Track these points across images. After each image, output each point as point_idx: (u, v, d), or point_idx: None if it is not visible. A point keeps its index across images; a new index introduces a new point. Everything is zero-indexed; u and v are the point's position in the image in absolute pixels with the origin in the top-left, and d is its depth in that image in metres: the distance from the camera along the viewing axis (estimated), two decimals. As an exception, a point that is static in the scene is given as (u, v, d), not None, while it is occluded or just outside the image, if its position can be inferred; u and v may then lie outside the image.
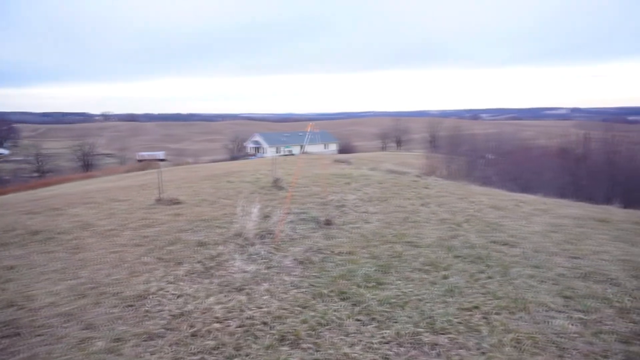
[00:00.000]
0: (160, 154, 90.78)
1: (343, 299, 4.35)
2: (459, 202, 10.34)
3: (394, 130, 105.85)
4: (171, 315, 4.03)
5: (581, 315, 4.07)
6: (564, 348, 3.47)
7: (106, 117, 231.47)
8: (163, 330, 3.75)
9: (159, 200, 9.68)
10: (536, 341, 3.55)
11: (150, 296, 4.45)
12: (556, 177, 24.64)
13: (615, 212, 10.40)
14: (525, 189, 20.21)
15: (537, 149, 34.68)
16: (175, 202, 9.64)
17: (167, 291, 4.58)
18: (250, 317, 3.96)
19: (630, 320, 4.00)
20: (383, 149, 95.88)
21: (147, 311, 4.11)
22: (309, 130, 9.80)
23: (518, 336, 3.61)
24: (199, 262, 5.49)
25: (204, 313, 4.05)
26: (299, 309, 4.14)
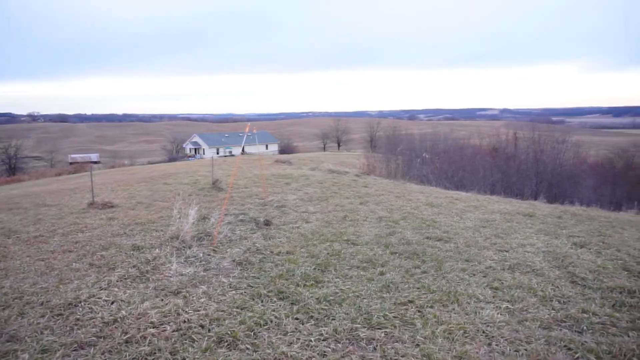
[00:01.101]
0: (93, 156, 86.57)
1: (281, 299, 4.35)
2: (397, 200, 10.63)
3: (334, 131, 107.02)
4: (103, 322, 3.85)
5: (508, 305, 4.30)
6: (492, 336, 3.66)
7: (33, 118, 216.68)
8: (94, 338, 3.58)
9: (92, 204, 9.24)
10: (466, 331, 3.71)
11: (81, 304, 4.23)
12: (488, 174, 25.92)
13: (540, 207, 11.06)
14: (460, 186, 21.12)
15: (470, 148, 36.29)
16: (109, 205, 9.23)
17: (100, 298, 4.37)
18: (187, 321, 3.87)
19: (551, 307, 4.28)
20: (324, 149, 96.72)
21: (77, 319, 3.90)
22: (247, 130, 9.68)
23: (450, 327, 3.76)
24: (133, 266, 5.29)
25: (139, 318, 3.91)
26: (237, 310, 4.09)
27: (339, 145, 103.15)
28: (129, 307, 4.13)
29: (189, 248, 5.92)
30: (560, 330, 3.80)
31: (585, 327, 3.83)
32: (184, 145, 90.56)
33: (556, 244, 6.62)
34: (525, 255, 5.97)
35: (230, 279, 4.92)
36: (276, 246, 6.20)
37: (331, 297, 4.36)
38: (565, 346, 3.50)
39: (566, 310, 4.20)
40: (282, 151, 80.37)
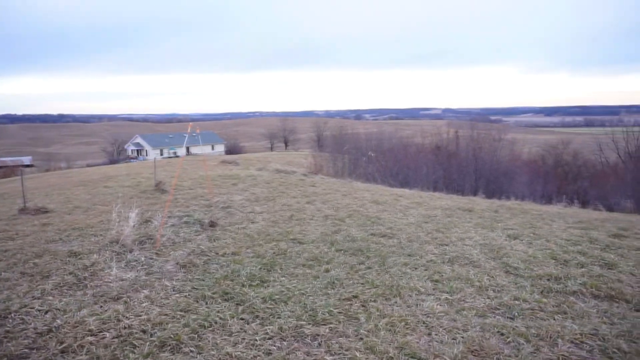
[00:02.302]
0: (25, 159, 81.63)
1: (226, 300, 4.32)
2: (343, 198, 10.79)
3: (282, 130, 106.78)
4: (37, 333, 3.67)
5: (447, 296, 4.49)
6: (431, 326, 3.81)
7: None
8: (27, 350, 3.41)
9: (23, 210, 8.74)
10: (408, 323, 3.85)
11: (12, 315, 4.01)
12: (431, 172, 26.80)
13: (479, 202, 11.58)
14: (404, 184, 21.71)
15: (414, 146, 37.34)
16: (42, 211, 8.77)
17: (32, 307, 4.16)
18: (128, 327, 3.76)
19: (487, 296, 4.51)
20: (271, 149, 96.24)
21: (7, 332, 3.70)
22: (189, 131, 9.50)
23: (392, 320, 3.89)
24: (70, 273, 5.07)
25: (76, 327, 3.76)
26: (180, 313, 4.03)
27: (286, 145, 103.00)
28: (65, 316, 3.97)
29: (130, 252, 5.75)
30: (495, 317, 4.01)
31: (516, 313, 4.07)
32: (125, 147, 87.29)
33: (492, 237, 6.96)
34: (464, 248, 6.24)
35: (174, 282, 4.83)
36: (221, 247, 6.14)
37: (277, 296, 4.39)
38: (498, 332, 3.71)
39: (500, 298, 4.44)
40: (229, 152, 79.26)
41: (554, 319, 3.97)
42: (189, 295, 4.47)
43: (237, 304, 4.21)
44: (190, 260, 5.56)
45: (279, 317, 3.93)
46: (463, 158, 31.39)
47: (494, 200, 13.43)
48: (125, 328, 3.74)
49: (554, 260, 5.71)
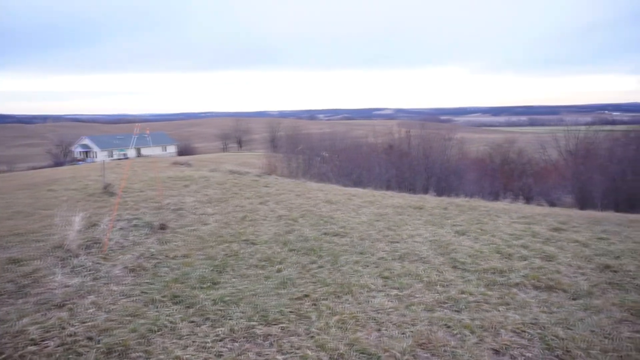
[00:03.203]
0: (-41, 162, 76.59)
1: (176, 303, 4.24)
2: (297, 198, 10.79)
3: (235, 131, 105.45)
4: (-29, 345, 3.47)
5: (397, 292, 4.59)
6: (381, 322, 3.89)
7: None
8: (-40, 364, 3.22)
9: (-45, 216, 8.20)
10: (358, 319, 3.91)
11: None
12: (383, 171, 27.26)
13: (429, 200, 11.86)
14: (358, 183, 21.97)
15: (367, 146, 37.89)
16: (-23, 216, 8.26)
17: (-34, 320, 3.93)
18: (73, 334, 3.62)
19: (435, 291, 4.65)
20: (224, 149, 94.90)
21: (-63, 346, 3.47)
22: (137, 132, 9.22)
23: (343, 317, 3.94)
24: (9, 281, 4.81)
25: (16, 336, 3.58)
26: (128, 318, 3.91)
27: (240, 146, 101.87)
28: (5, 326, 3.77)
29: (76, 257, 5.53)
30: (442, 311, 4.15)
31: (462, 306, 4.22)
32: (72, 149, 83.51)
33: (441, 233, 7.17)
34: (414, 245, 6.40)
35: (122, 287, 4.68)
36: (172, 250, 6.01)
37: (228, 298, 4.34)
38: (445, 325, 3.83)
39: (447, 292, 4.58)
40: (181, 153, 77.51)
41: (498, 310, 4.14)
42: (137, 299, 4.35)
43: (187, 307, 4.14)
44: (139, 264, 5.40)
45: (230, 319, 3.90)
46: (414, 157, 32.15)
47: (444, 198, 13.79)
48: (69, 336, 3.60)
49: (498, 255, 5.95)
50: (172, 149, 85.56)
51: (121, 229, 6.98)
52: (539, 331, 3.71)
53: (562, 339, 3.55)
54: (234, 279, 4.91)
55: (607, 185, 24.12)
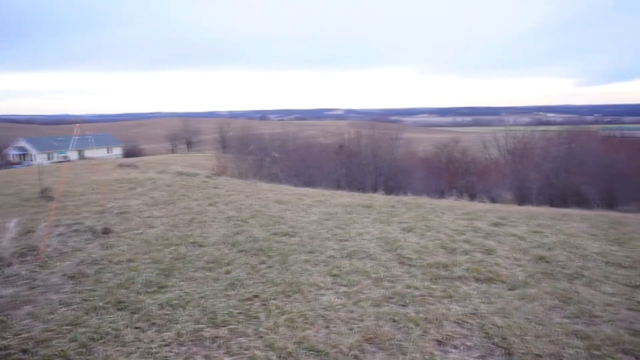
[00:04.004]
0: None
1: (120, 309, 4.11)
2: (247, 199, 10.71)
3: (184, 132, 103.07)
4: None
5: (345, 289, 4.66)
6: (330, 319, 3.94)
7: None
8: None
9: None
10: (307, 317, 3.95)
11: None
12: (333, 171, 27.52)
13: (378, 199, 12.08)
14: (308, 183, 22.07)
15: (318, 146, 38.11)
16: None
17: None
18: (5, 347, 3.43)
19: (382, 287, 4.75)
20: (173, 151, 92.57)
21: None
22: (77, 132, 8.84)
23: (292, 316, 3.96)
24: None
25: (-59, 354, 3.35)
26: (68, 327, 3.75)
27: (189, 147, 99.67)
28: None
29: (9, 266, 5.23)
30: (389, 306, 4.25)
31: (408, 301, 4.35)
32: (6, 151, 78.67)
33: (389, 231, 7.34)
34: (362, 243, 6.51)
35: (61, 295, 4.48)
36: (116, 255, 5.81)
37: (175, 301, 4.26)
38: (391, 319, 3.93)
39: (394, 287, 4.70)
40: (127, 154, 74.91)
41: (441, 303, 4.30)
42: (78, 307, 4.18)
43: (132, 313, 4.02)
44: (79, 270, 5.19)
45: (177, 323, 3.82)
46: (364, 157, 32.66)
47: (392, 196, 14.09)
48: (2, 349, 3.41)
49: (442, 250, 6.16)
50: (117, 151, 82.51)
51: (60, 234, 6.67)
52: (478, 321, 3.89)
53: (500, 327, 3.74)
54: (181, 282, 4.82)
55: (543, 182, 25.52)
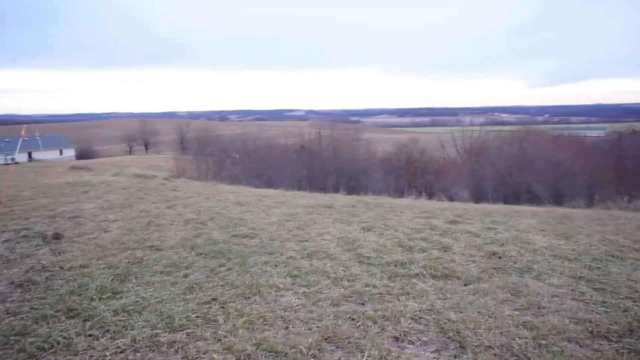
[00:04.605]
0: None
1: (72, 317, 3.97)
2: (206, 201, 10.57)
3: (141, 133, 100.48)
4: None
5: (305, 289, 4.69)
6: (289, 320, 3.95)
7: None
8: None
9: None
10: (266, 319, 3.94)
11: None
12: (295, 171, 27.52)
13: (339, 199, 12.18)
14: (270, 184, 21.98)
15: (279, 147, 38.01)
16: None
17: None
18: (-53, 361, 3.27)
19: (342, 286, 4.80)
20: (130, 152, 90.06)
21: None
22: (24, 133, 8.48)
23: (251, 318, 3.94)
24: None
25: None
26: (15, 338, 3.60)
27: (147, 148, 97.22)
28: None
29: (-49, 275, 4.97)
30: (347, 304, 4.31)
31: (367, 299, 4.42)
32: (-53, 154, 74.31)
33: (349, 230, 7.42)
34: (322, 243, 6.55)
35: (7, 304, 4.29)
36: (68, 261, 5.61)
37: (130, 307, 4.16)
38: (350, 318, 3.99)
39: (353, 286, 4.76)
40: (81, 156, 72.33)
41: (399, 300, 4.39)
42: (26, 316, 4.01)
43: (84, 320, 3.90)
44: (28, 277, 4.98)
45: (133, 329, 3.74)
46: (325, 157, 32.83)
47: (353, 196, 14.22)
48: (-57, 363, 3.24)
49: (400, 248, 6.28)
50: (70, 153, 79.49)
51: (6, 240, 6.39)
52: (434, 316, 4.00)
53: (454, 322, 3.86)
54: (137, 287, 4.71)
55: (497, 181, 26.45)
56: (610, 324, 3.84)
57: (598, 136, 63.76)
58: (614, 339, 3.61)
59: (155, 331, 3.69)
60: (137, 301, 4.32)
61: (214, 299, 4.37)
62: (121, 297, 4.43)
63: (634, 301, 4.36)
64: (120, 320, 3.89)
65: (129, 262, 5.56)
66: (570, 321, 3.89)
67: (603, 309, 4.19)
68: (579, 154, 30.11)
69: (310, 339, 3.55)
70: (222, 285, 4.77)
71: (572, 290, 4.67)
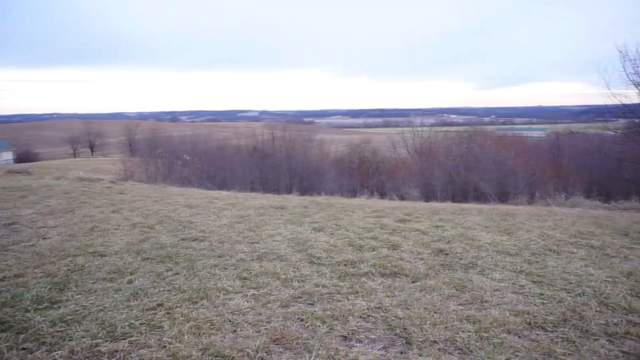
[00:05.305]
0: None
1: (4, 330, 3.74)
2: (154, 204, 10.27)
3: (86, 134, 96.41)
4: None
5: (254, 292, 4.63)
6: (237, 323, 3.89)
7: None
8: None
9: None
10: (213, 323, 3.87)
11: None
12: (247, 173, 27.24)
13: (292, 200, 12.16)
14: (222, 186, 21.68)
15: (231, 148, 37.54)
16: None
17: None
18: None
19: (291, 287, 4.78)
20: (74, 155, 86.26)
21: None
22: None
23: (197, 323, 3.85)
24: None
25: None
26: (-61, 355, 3.36)
27: (92, 151, 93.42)
28: None
29: None
30: (297, 305, 4.30)
31: (316, 299, 4.42)
32: None
33: (300, 231, 7.41)
34: (273, 244, 6.51)
35: None
36: (1, 271, 5.28)
37: (69, 317, 3.96)
38: (299, 318, 3.98)
39: (303, 287, 4.76)
40: (20, 160, 68.56)
41: (348, 299, 4.42)
42: (-47, 331, 3.75)
43: (17, 333, 3.68)
44: (-44, 290, 4.66)
45: (71, 340, 3.56)
46: (278, 158, 32.70)
47: (306, 197, 14.25)
48: None
49: (351, 247, 6.34)
50: (7, 156, 75.20)
51: None
52: (382, 314, 4.06)
53: (401, 319, 3.93)
54: (77, 296, 4.50)
55: (446, 179, 27.27)
56: (547, 315, 4.03)
57: (539, 137, 67.04)
58: (549, 329, 3.79)
59: (95, 341, 3.53)
60: (77, 310, 4.12)
61: (159, 305, 4.25)
62: (59, 307, 4.21)
63: (568, 292, 4.60)
64: (57, 332, 3.70)
65: (69, 270, 5.31)
66: (510, 313, 4.06)
67: (540, 300, 4.39)
68: (521, 154, 31.54)
69: (258, 342, 3.51)
70: (168, 290, 4.65)
71: (513, 283, 4.87)
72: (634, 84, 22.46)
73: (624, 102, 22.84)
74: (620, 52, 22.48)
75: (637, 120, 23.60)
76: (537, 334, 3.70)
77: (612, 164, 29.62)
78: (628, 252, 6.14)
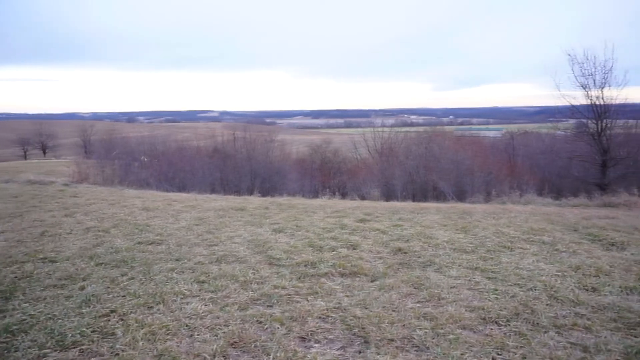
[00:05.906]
0: None
1: (-57, 343, 3.54)
2: (110, 208, 9.97)
3: (37, 135, 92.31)
4: None
5: (212, 295, 4.56)
6: (194, 327, 3.82)
7: None
8: None
9: None
10: (169, 328, 3.78)
11: None
12: (207, 174, 26.83)
13: (253, 201, 12.06)
14: (181, 188, 21.25)
15: (191, 149, 36.89)
16: None
17: None
18: None
19: (250, 289, 4.74)
20: (24, 157, 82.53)
21: None
22: None
23: (152, 329, 3.76)
24: None
25: None
26: None
27: (44, 152, 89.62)
28: None
29: None
30: (255, 307, 4.26)
31: (275, 301, 4.40)
32: None
33: (259, 232, 7.36)
34: (232, 247, 6.44)
35: None
36: (-59, 280, 4.99)
37: (15, 327, 3.78)
38: (257, 321, 3.95)
39: (262, 289, 4.72)
40: (-36, 162, 64.90)
41: (307, 300, 4.43)
42: None
43: (-42, 346, 3.49)
44: None
45: (17, 350, 3.40)
46: (239, 159, 32.37)
47: (267, 198, 14.16)
48: None
49: (311, 248, 6.35)
50: (-50, 158, 71.05)
51: None
52: (340, 314, 4.08)
53: (359, 318, 3.97)
54: (25, 304, 4.30)
55: (406, 179, 27.76)
56: (500, 310, 4.16)
57: (495, 137, 69.21)
58: (502, 323, 3.91)
59: (43, 351, 3.39)
60: (24, 319, 3.94)
61: (112, 311, 4.12)
62: (4, 317, 4.01)
63: (520, 287, 4.77)
64: (2, 343, 3.53)
65: (15, 277, 5.07)
66: (465, 310, 4.16)
67: (494, 296, 4.53)
68: (478, 153, 32.48)
69: (215, 346, 3.46)
70: (122, 296, 4.51)
71: (469, 280, 5.01)
72: (581, 86, 23.62)
73: (572, 103, 23.97)
74: (569, 55, 23.60)
75: (584, 121, 24.80)
76: (491, 329, 3.81)
77: (563, 162, 30.97)
78: (576, 247, 6.42)
